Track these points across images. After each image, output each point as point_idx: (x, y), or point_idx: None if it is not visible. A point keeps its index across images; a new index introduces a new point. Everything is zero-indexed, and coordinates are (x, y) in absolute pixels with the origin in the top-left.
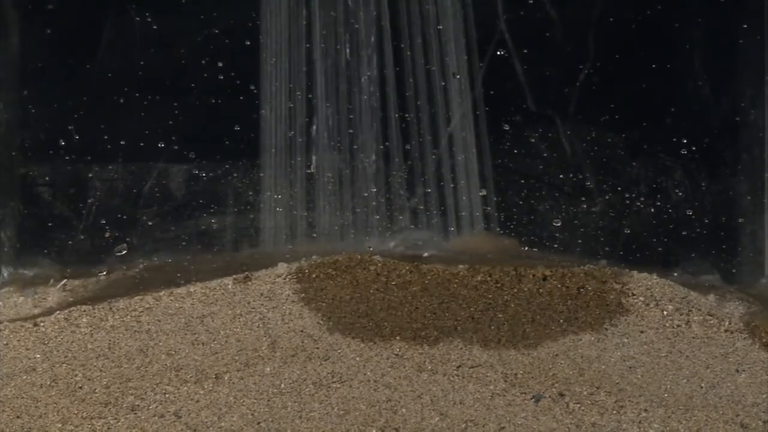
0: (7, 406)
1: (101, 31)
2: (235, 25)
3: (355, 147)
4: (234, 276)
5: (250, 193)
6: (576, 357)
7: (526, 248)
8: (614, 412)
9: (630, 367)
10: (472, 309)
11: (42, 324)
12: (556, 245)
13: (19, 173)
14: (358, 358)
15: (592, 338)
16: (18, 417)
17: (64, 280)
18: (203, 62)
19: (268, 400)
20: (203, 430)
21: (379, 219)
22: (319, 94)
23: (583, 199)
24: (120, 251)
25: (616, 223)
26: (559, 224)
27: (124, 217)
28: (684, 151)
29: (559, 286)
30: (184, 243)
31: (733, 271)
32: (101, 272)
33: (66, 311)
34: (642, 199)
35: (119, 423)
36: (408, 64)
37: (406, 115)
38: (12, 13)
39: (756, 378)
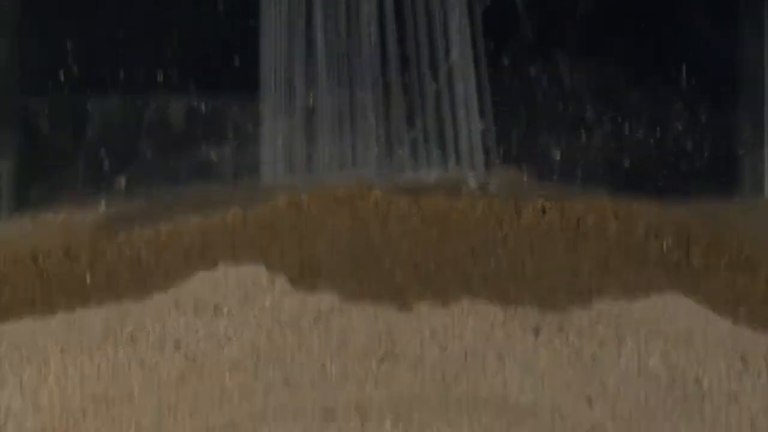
0: (5, 340)
1: None
2: None
3: (355, 80)
4: (233, 209)
5: (250, 125)
6: (575, 288)
7: (526, 181)
8: (614, 344)
9: (630, 300)
10: (471, 242)
11: (41, 258)
12: (556, 178)
13: (19, 105)
14: (357, 289)
15: (592, 270)
16: (17, 349)
17: (63, 215)
18: None
19: (268, 332)
20: (202, 361)
21: (379, 152)
22: (318, 26)
23: (583, 131)
24: (119, 185)
25: (616, 155)
26: (558, 157)
27: (124, 150)
28: (684, 84)
29: (558, 219)
30: (183, 176)
31: (733, 203)
32: (100, 205)
33: (65, 245)
34: (642, 131)
35: (118, 355)
36: None
37: (406, 48)
38: None
39: (756, 311)
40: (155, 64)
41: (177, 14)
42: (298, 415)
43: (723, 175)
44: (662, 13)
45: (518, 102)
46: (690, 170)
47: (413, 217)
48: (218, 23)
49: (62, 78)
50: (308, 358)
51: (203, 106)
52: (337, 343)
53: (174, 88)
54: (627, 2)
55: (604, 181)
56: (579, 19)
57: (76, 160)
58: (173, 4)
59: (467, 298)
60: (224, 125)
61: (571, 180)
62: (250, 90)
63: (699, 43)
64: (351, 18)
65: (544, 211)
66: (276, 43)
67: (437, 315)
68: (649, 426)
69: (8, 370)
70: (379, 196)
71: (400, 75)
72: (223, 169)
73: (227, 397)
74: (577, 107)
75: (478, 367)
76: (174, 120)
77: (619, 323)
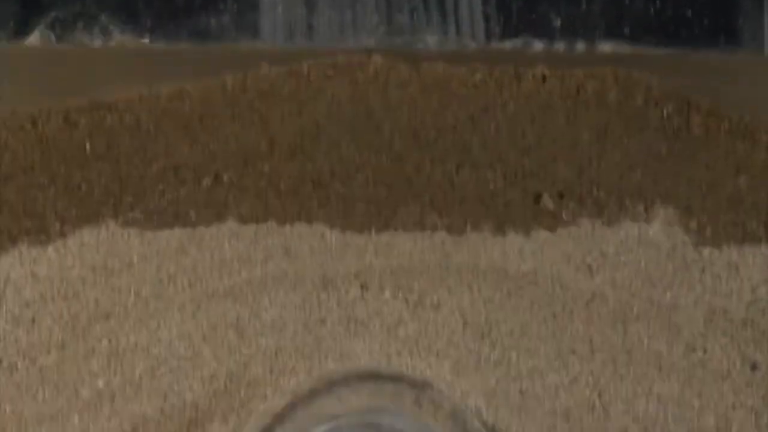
0: (5, 206)
1: None
2: None
3: None
4: (233, 75)
5: None
6: (575, 156)
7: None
8: (614, 212)
9: (630, 168)
10: (471, 109)
11: (40, 124)
12: (557, 45)
13: None
14: (357, 157)
15: (592, 138)
16: (16, 218)
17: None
18: None
19: (267, 200)
20: (202, 229)
21: (379, 19)
22: None
23: None
24: (119, 43)
25: (616, 23)
26: (559, 25)
27: (124, 15)
28: None
29: (558, 86)
30: (183, 39)
31: (733, 63)
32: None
33: (64, 111)
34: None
35: (118, 222)
36: None
37: None
38: None
39: (756, 179)
40: None
41: None
42: (297, 283)
43: (723, 42)
44: None
45: None
46: (690, 37)
47: (413, 84)
48: None
49: None
50: (309, 224)
51: None
52: (338, 210)
53: None
54: None
55: (604, 48)
56: None
57: (75, 19)
58: None
59: (467, 165)
60: None
61: (571, 47)
62: None
63: None
64: None
65: (544, 79)
66: None
67: (435, 182)
68: (649, 294)
69: (7, 238)
70: (379, 64)
71: None
72: (223, 37)
73: (226, 266)
74: None
75: (478, 236)
76: None
77: (619, 191)
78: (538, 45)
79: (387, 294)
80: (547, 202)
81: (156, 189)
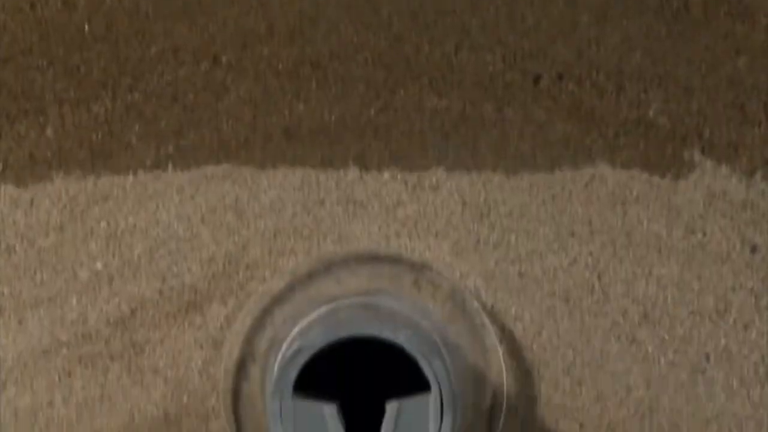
0: (3, 89)
1: None
2: None
3: None
4: None
5: None
6: (575, 38)
7: None
8: (613, 94)
9: (629, 49)
10: None
11: (39, 6)
12: None
13: None
14: (356, 39)
15: (591, 20)
16: (15, 100)
17: None
18: None
19: (266, 82)
20: (200, 112)
21: None
22: None
23: None
24: None
25: None
26: None
27: None
28: None
29: None
30: None
31: None
32: None
33: None
34: None
35: (117, 104)
36: None
37: None
38: None
39: (756, 61)
40: None
41: None
42: (296, 164)
43: None
44: None
45: None
46: None
47: None
48: None
49: None
50: (306, 108)
51: None
52: (336, 93)
53: None
54: None
55: None
56: None
57: None
58: None
59: (466, 47)
60: None
61: None
62: None
63: None
64: None
65: None
66: None
67: (434, 63)
68: (649, 178)
69: (5, 120)
70: None
71: None
72: None
73: (224, 148)
74: None
75: (477, 117)
76: None
77: (618, 72)
78: None
79: (386, 175)
80: (547, 82)
81: (155, 71)
